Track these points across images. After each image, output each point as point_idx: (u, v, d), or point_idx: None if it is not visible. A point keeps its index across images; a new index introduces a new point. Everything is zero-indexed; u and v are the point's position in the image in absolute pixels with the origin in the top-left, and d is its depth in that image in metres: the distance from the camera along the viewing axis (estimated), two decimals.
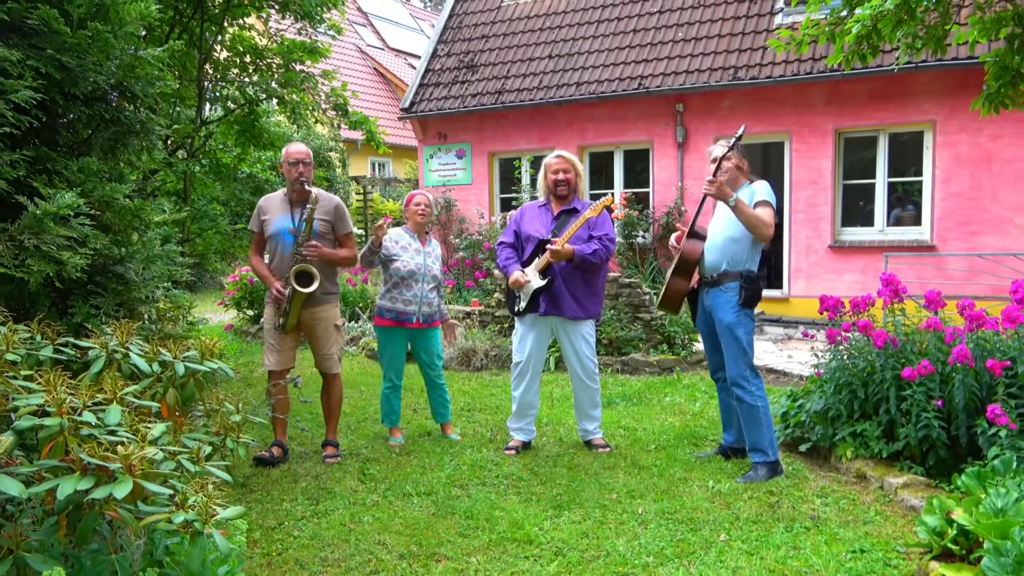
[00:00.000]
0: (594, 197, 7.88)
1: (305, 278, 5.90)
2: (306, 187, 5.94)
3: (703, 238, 5.83)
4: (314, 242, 5.93)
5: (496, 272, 12.50)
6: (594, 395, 6.45)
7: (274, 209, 6.11)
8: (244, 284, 12.65)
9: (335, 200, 6.19)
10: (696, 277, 5.92)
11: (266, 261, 6.25)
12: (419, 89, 15.77)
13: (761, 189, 5.70)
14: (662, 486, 5.51)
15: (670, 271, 5.92)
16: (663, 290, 5.96)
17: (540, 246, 6.19)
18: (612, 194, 6.21)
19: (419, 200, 6.78)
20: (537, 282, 6.19)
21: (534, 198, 13.85)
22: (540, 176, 6.44)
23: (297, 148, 6.07)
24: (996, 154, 11.52)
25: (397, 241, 6.68)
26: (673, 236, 6.05)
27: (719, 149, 5.75)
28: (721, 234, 5.73)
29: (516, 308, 6.36)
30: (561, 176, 6.29)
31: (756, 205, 5.62)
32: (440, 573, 4.25)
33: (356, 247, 6.33)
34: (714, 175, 5.58)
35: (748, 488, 5.41)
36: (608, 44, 14.43)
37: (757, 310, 12.51)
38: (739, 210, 5.52)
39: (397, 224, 7.06)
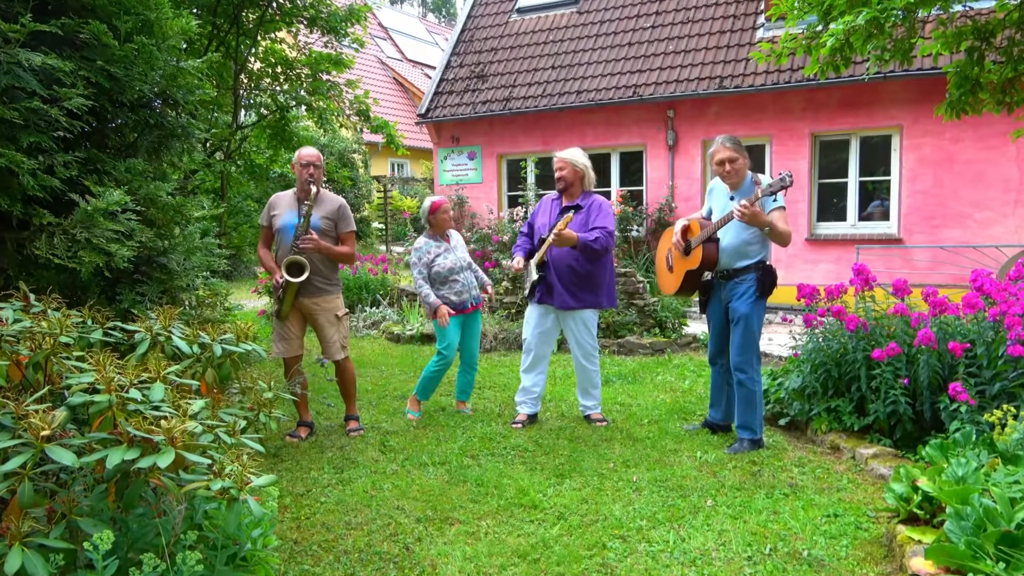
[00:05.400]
0: None
1: (296, 269, 5.82)
2: (311, 187, 5.86)
3: (717, 240, 5.60)
4: (312, 234, 5.82)
5: (504, 262, 12.49)
6: (592, 376, 6.40)
7: (283, 206, 6.03)
8: None
9: (339, 200, 6.12)
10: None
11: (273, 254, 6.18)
12: (434, 96, 15.72)
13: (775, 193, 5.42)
14: (654, 456, 5.50)
15: (688, 269, 5.73)
16: (682, 284, 5.79)
17: (542, 242, 6.18)
18: (565, 218, 5.96)
19: (446, 207, 6.60)
20: (533, 275, 6.19)
21: (539, 196, 13.83)
22: None
23: (309, 152, 6.01)
24: (957, 156, 11.46)
25: (428, 251, 6.52)
26: (679, 229, 5.80)
27: (723, 151, 5.53)
28: (736, 236, 5.51)
29: (524, 295, 6.37)
30: (559, 174, 6.26)
31: (771, 212, 5.39)
32: (453, 535, 4.24)
33: (355, 245, 6.24)
34: (752, 203, 5.25)
35: (733, 458, 5.39)
36: (606, 56, 14.36)
37: None
38: (774, 233, 5.37)
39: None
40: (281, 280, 5.84)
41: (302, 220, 5.84)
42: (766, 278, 5.51)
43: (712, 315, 5.90)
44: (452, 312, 6.48)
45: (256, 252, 6.47)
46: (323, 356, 6.19)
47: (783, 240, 5.40)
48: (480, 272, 6.87)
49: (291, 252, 5.84)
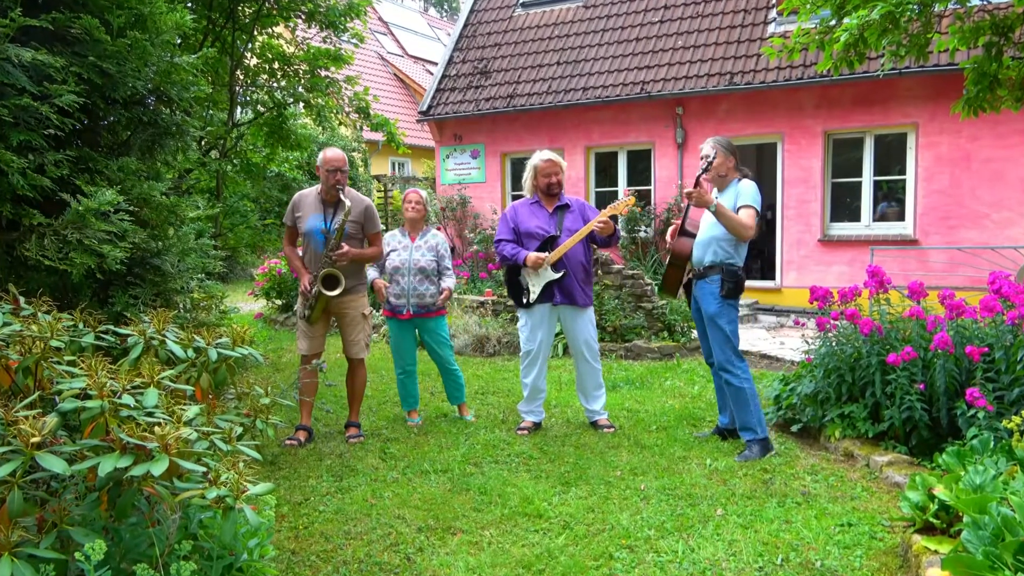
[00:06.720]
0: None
1: (331, 281, 5.92)
2: (341, 196, 5.93)
3: (693, 235, 5.86)
4: (344, 247, 5.90)
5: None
6: (597, 376, 6.47)
7: (308, 207, 6.10)
8: (273, 275, 12.66)
9: (366, 202, 6.19)
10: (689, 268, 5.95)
11: (300, 253, 6.25)
12: (436, 93, 15.73)
13: (746, 192, 5.62)
14: (663, 464, 5.49)
15: (667, 263, 5.99)
16: (662, 279, 6.06)
17: (547, 242, 6.20)
18: (632, 197, 6.28)
19: (411, 197, 6.78)
20: (550, 275, 6.19)
21: None
22: (528, 177, 6.41)
23: (335, 155, 5.99)
24: (974, 154, 11.44)
25: (389, 243, 6.73)
26: (668, 231, 6.12)
27: (708, 147, 5.71)
28: (707, 232, 5.72)
29: (525, 300, 6.33)
30: (554, 179, 6.34)
31: (739, 208, 5.58)
32: (456, 545, 4.24)
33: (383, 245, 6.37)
34: (695, 185, 5.55)
35: (743, 466, 5.38)
36: (612, 52, 14.36)
37: (751, 300, 12.47)
38: (720, 215, 5.51)
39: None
40: (314, 290, 5.94)
41: (333, 230, 5.92)
42: (729, 280, 5.64)
43: (694, 316, 6.07)
44: (388, 313, 6.73)
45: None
46: (323, 362, 6.21)
47: (735, 229, 5.53)
48: (446, 279, 6.73)
49: (324, 263, 5.91)
